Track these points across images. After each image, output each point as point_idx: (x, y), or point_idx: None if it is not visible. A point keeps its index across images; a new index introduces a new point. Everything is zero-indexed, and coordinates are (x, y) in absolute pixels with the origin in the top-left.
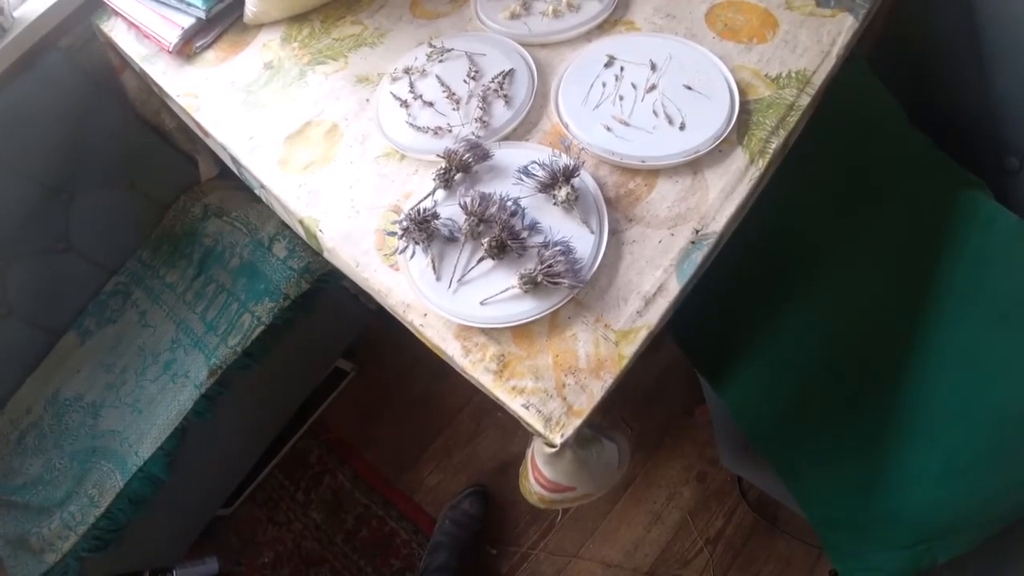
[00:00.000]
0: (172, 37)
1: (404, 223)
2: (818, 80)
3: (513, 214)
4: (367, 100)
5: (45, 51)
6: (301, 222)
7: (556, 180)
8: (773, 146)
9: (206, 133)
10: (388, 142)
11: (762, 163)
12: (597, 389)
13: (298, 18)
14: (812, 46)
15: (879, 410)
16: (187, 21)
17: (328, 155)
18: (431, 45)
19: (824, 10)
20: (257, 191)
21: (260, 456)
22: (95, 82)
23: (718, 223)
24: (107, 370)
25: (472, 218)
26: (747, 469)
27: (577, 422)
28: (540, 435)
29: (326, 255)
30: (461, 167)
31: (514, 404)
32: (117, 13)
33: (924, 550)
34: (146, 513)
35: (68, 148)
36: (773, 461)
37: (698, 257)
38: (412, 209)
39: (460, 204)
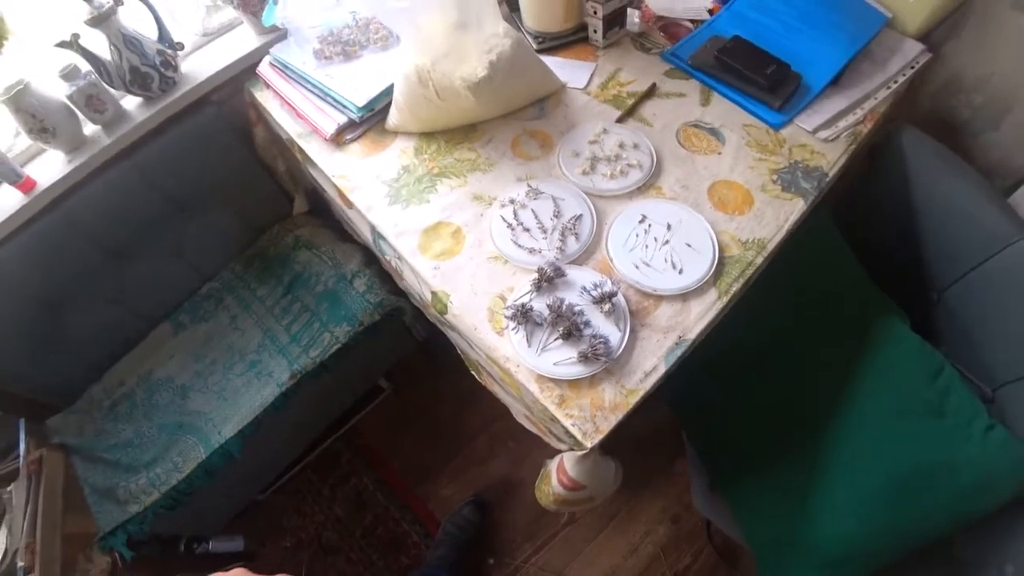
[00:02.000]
0: (329, 128)
1: (511, 310)
2: (771, 246)
3: (576, 314)
4: (481, 215)
5: (203, 104)
6: (434, 293)
7: (603, 297)
8: (734, 289)
9: (350, 204)
10: (497, 250)
11: (725, 299)
12: (613, 419)
13: (427, 135)
14: (772, 221)
15: (803, 461)
16: (341, 118)
17: (454, 250)
18: (529, 185)
19: (786, 194)
20: (391, 258)
21: (298, 452)
22: (233, 129)
23: (693, 333)
24: (197, 360)
25: (553, 314)
26: (711, 509)
27: (601, 436)
28: (579, 442)
29: (450, 318)
30: (547, 279)
31: (567, 423)
32: (274, 91)
33: (829, 574)
34: (214, 484)
35: (200, 176)
36: (726, 494)
37: (678, 353)
38: (516, 302)
39: (547, 304)
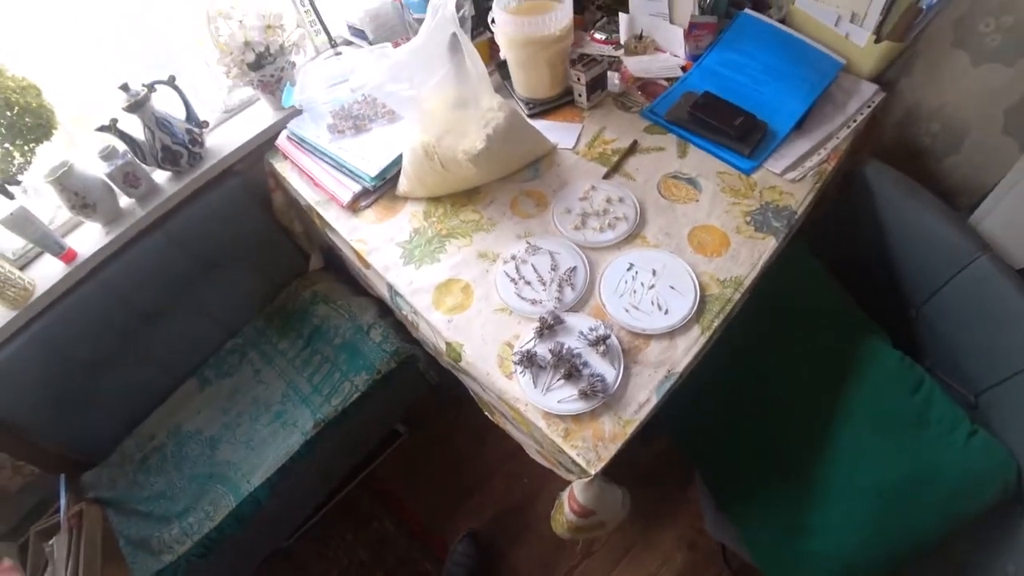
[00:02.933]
0: (345, 196)
1: (518, 356)
2: (747, 283)
3: (575, 357)
4: (487, 271)
5: (226, 175)
6: (449, 344)
7: (598, 340)
8: (715, 324)
9: (367, 265)
10: (503, 303)
11: (708, 334)
12: (613, 447)
13: (434, 199)
14: (747, 259)
15: (800, 479)
16: (356, 187)
17: (465, 304)
18: (528, 242)
19: (759, 234)
20: (408, 313)
21: (322, 498)
22: (253, 196)
23: (680, 367)
24: (224, 413)
25: (555, 357)
26: (723, 532)
27: (603, 463)
28: (584, 470)
29: (464, 365)
30: (548, 327)
31: (572, 453)
32: (292, 162)
33: None
34: (245, 532)
35: (223, 239)
36: (732, 516)
37: (668, 385)
38: (522, 348)
39: (550, 349)
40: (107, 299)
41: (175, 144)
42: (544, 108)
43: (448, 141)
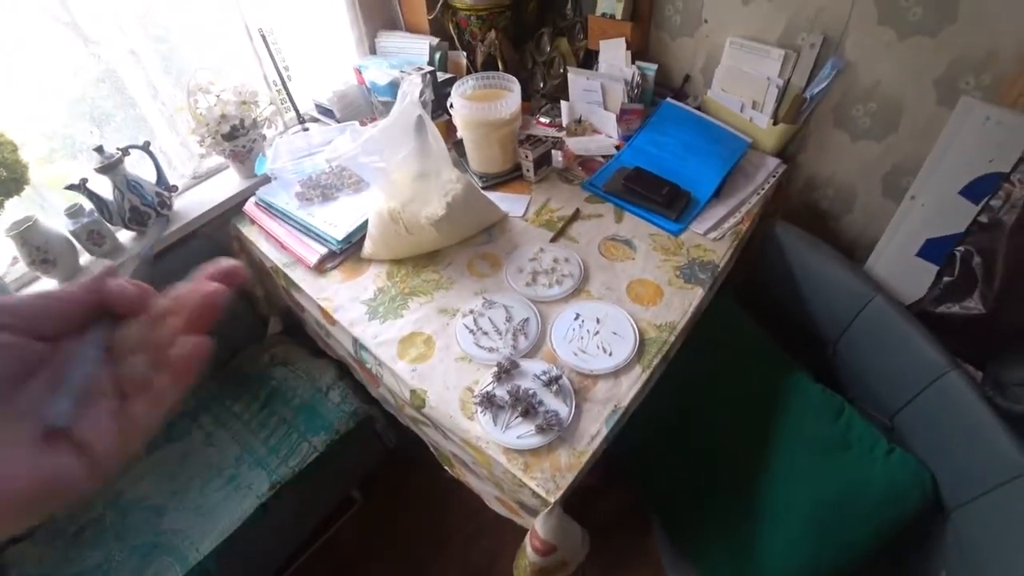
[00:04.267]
0: (312, 258)
1: (479, 398)
2: (680, 326)
3: (531, 396)
4: (447, 324)
5: (191, 237)
6: (413, 391)
7: (551, 381)
8: (655, 363)
9: (333, 322)
10: (463, 352)
11: (648, 372)
12: (570, 476)
13: (397, 261)
14: (679, 307)
15: (742, 508)
16: (323, 250)
17: (427, 354)
18: (484, 298)
19: (688, 285)
20: (372, 365)
21: (274, 569)
22: (216, 258)
23: (626, 402)
24: (172, 479)
25: (512, 397)
26: (681, 570)
27: (561, 492)
28: (544, 499)
29: (428, 411)
30: (505, 371)
31: (532, 484)
32: (260, 227)
33: None
34: None
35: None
36: (686, 551)
37: (615, 418)
38: (482, 391)
39: (508, 391)
40: None
41: (144, 206)
42: (496, 181)
43: (413, 208)
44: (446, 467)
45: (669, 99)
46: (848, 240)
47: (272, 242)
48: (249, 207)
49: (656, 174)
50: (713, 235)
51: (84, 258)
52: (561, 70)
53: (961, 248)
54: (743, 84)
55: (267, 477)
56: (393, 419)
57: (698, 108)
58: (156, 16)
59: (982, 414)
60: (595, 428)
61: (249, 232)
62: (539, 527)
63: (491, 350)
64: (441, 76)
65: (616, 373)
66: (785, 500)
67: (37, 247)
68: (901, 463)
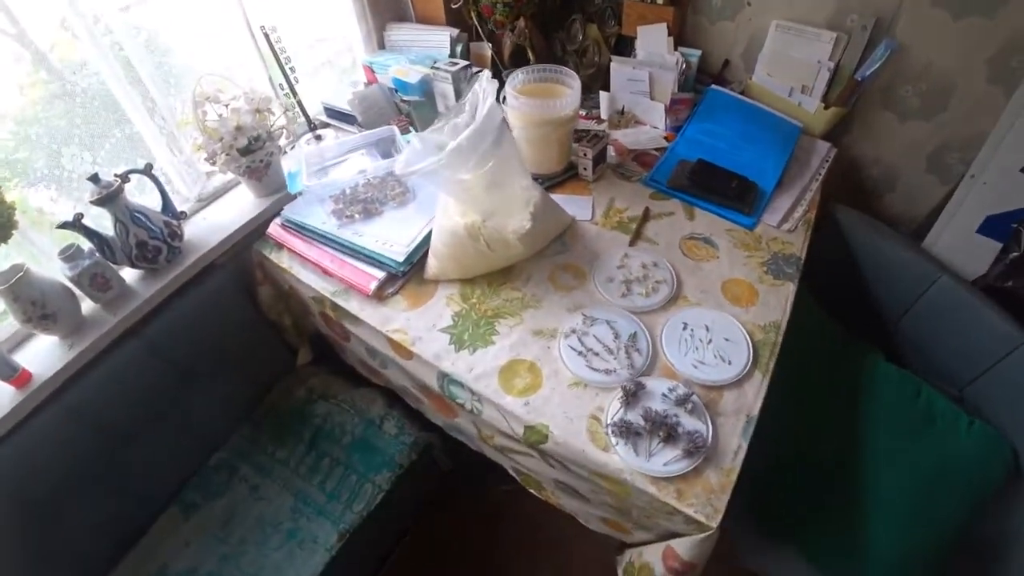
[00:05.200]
0: (370, 284)
1: (614, 428)
2: (783, 326)
3: (668, 417)
4: (548, 347)
5: (211, 268)
6: (530, 427)
7: (682, 399)
8: (771, 366)
9: (410, 356)
10: (576, 376)
11: (768, 376)
12: (725, 497)
13: (467, 281)
14: (776, 305)
15: (843, 495)
16: (380, 274)
17: (535, 383)
18: (584, 315)
19: (778, 281)
20: (466, 401)
21: None
22: (237, 290)
23: (756, 410)
24: (221, 542)
25: (649, 423)
26: (762, 558)
27: (721, 514)
28: (704, 525)
29: (551, 447)
30: (632, 394)
31: (689, 511)
32: (292, 251)
33: None
34: None
35: (205, 342)
36: (773, 531)
37: (750, 429)
38: (615, 419)
39: (641, 415)
40: (69, 426)
41: (152, 239)
42: (552, 183)
43: (495, 222)
44: (532, 490)
45: (714, 86)
46: (890, 216)
47: (312, 268)
48: (275, 230)
49: (720, 166)
50: (786, 226)
51: (87, 306)
52: (596, 58)
53: None
54: (791, 68)
55: (333, 527)
56: (449, 440)
57: (742, 93)
58: (141, 18)
59: None
60: (735, 442)
61: (278, 258)
62: (683, 550)
63: (607, 372)
64: (474, 69)
65: (739, 382)
66: (878, 481)
67: (32, 301)
68: (983, 435)
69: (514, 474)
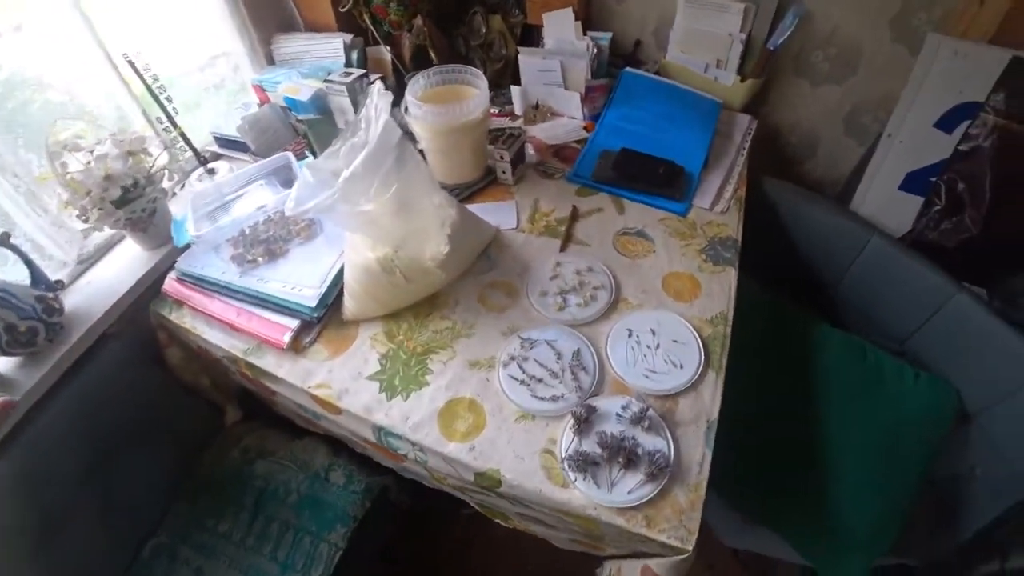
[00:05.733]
0: (284, 336)
1: (571, 463)
2: (730, 315)
3: (625, 440)
4: (487, 380)
5: (104, 341)
6: (481, 473)
7: (639, 416)
8: (724, 362)
9: (339, 411)
10: (520, 409)
11: (722, 373)
12: (696, 516)
13: (391, 315)
14: (720, 293)
15: (810, 465)
16: (293, 323)
17: (478, 423)
18: (520, 338)
19: (718, 267)
20: (408, 452)
21: None
22: (140, 359)
23: (715, 413)
24: None
25: (606, 449)
26: (742, 539)
27: (695, 535)
28: (680, 549)
29: (506, 490)
30: (584, 420)
31: (662, 538)
32: (193, 308)
33: (865, 549)
34: None
35: (113, 422)
36: (760, 520)
37: (712, 435)
38: (570, 452)
39: (596, 443)
40: None
41: (25, 319)
42: (470, 192)
43: (409, 250)
44: (498, 520)
45: (628, 68)
46: (814, 181)
47: (217, 325)
48: (170, 286)
49: (644, 152)
50: (719, 207)
51: None
52: (503, 51)
53: (946, 177)
54: (704, 43)
55: None
56: (405, 479)
57: (657, 73)
58: None
59: (995, 327)
60: (699, 453)
61: (179, 317)
62: (662, 572)
63: (555, 399)
64: (371, 77)
65: (694, 385)
66: (841, 447)
67: None
68: (929, 384)
69: (477, 507)
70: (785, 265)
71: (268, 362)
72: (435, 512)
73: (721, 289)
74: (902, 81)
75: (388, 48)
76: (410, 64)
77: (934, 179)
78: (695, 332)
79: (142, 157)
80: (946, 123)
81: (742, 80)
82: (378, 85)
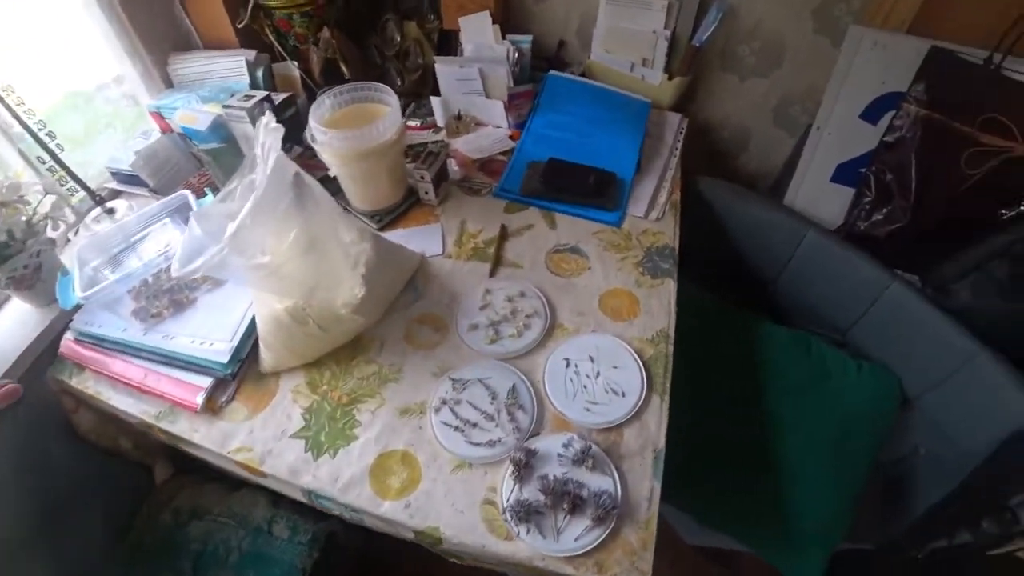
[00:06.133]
0: (196, 397)
1: (511, 514)
2: (671, 332)
3: (568, 483)
4: (420, 428)
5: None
6: (421, 533)
7: (580, 455)
8: (667, 384)
9: (264, 475)
10: (456, 457)
11: (666, 397)
12: (648, 555)
13: (313, 364)
14: (660, 309)
15: (763, 466)
16: (205, 381)
17: (414, 477)
18: (451, 379)
19: (656, 280)
20: (343, 512)
21: None
22: (44, 429)
23: (661, 441)
24: None
25: (549, 496)
26: (704, 539)
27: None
28: None
29: (447, 547)
30: (524, 465)
31: None
32: (96, 371)
33: (820, 543)
34: None
35: (21, 503)
36: (716, 526)
37: (660, 464)
38: (510, 503)
39: (538, 489)
40: None
41: None
42: (392, 217)
43: (320, 298)
44: (453, 559)
45: (552, 72)
46: (748, 174)
47: (124, 388)
48: (67, 347)
49: (573, 161)
50: (654, 214)
51: None
52: (420, 60)
53: (874, 168)
54: (628, 42)
55: None
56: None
57: (582, 75)
58: None
59: (929, 314)
60: (647, 486)
61: (81, 382)
62: None
63: (491, 443)
64: (276, 99)
65: (638, 413)
66: (791, 444)
67: None
68: (872, 374)
69: (428, 547)
70: (724, 264)
71: (182, 427)
72: (390, 550)
73: (660, 305)
74: (826, 72)
75: (296, 64)
76: (320, 79)
77: (863, 170)
78: (635, 355)
79: (17, 207)
80: (871, 114)
81: (670, 78)
82: (266, 119)
